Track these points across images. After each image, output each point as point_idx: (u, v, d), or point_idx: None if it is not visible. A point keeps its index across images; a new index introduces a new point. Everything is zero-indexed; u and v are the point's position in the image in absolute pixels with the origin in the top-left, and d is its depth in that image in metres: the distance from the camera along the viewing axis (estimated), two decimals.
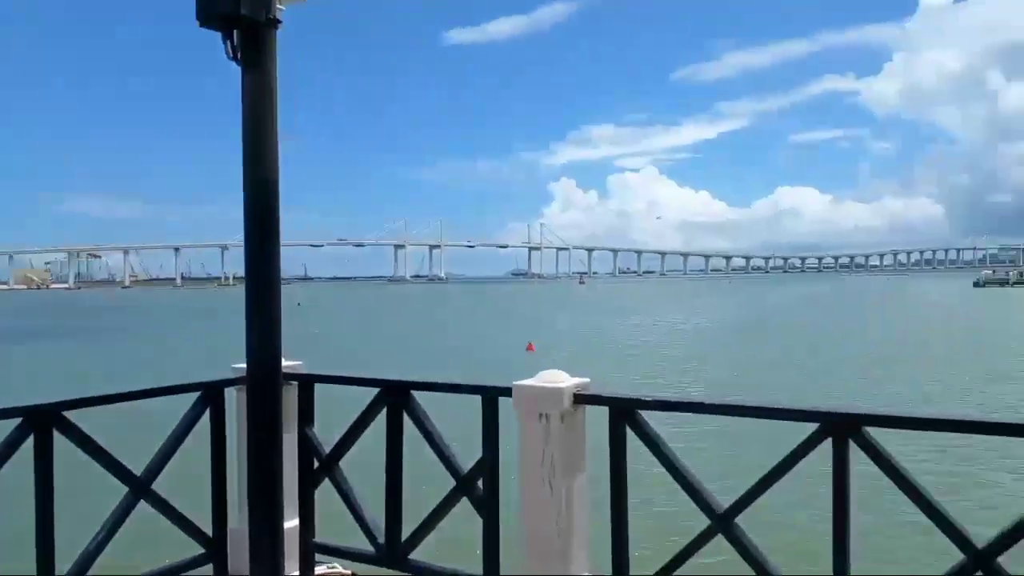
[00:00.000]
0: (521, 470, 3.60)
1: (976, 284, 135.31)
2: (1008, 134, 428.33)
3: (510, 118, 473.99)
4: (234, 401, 4.39)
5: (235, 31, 3.49)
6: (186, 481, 4.33)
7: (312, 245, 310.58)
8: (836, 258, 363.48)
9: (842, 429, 3.00)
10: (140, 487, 3.98)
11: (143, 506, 3.99)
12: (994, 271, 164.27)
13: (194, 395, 4.32)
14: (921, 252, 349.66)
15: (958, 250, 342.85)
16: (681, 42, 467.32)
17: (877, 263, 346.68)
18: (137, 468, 4.01)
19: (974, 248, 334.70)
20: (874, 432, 2.99)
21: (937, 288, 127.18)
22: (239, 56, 3.52)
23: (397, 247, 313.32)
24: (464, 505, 3.89)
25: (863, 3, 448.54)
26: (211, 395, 4.34)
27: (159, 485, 4.07)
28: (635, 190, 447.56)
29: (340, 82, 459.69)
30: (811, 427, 3.07)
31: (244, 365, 3.82)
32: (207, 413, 4.32)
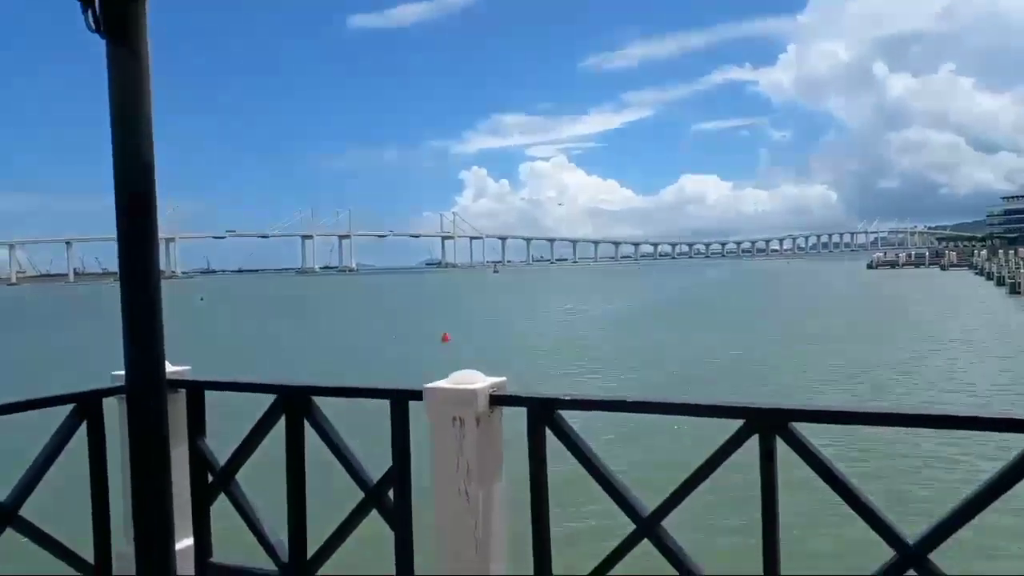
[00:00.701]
0: (434, 478, 3.35)
1: (869, 266, 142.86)
2: (893, 122, 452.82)
3: (418, 106, 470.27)
4: (115, 413, 3.96)
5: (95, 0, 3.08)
6: (62, 504, 3.90)
7: (214, 237, 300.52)
8: (738, 243, 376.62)
9: (769, 425, 2.88)
10: (5, 514, 3.53)
11: (11, 535, 3.55)
12: (885, 254, 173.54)
13: (67, 408, 3.87)
14: (818, 236, 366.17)
15: (852, 234, 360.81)
16: (586, 32, 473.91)
17: (777, 247, 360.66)
18: (1, 492, 3.57)
19: (866, 232, 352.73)
20: (800, 427, 2.88)
21: (834, 270, 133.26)
22: (102, 28, 3.11)
23: (305, 237, 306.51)
24: (374, 517, 3.61)
25: None
26: (87, 407, 3.90)
27: (28, 510, 3.63)
28: (546, 179, 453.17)
29: (238, 65, 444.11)
30: (736, 423, 2.94)
31: (123, 372, 3.43)
32: (83, 427, 3.88)
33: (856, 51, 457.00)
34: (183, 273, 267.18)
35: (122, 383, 3.53)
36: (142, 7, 3.15)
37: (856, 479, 2.83)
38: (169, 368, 3.70)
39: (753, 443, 2.91)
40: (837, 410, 3.09)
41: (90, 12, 3.08)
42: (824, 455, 2.83)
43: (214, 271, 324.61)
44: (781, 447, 2.88)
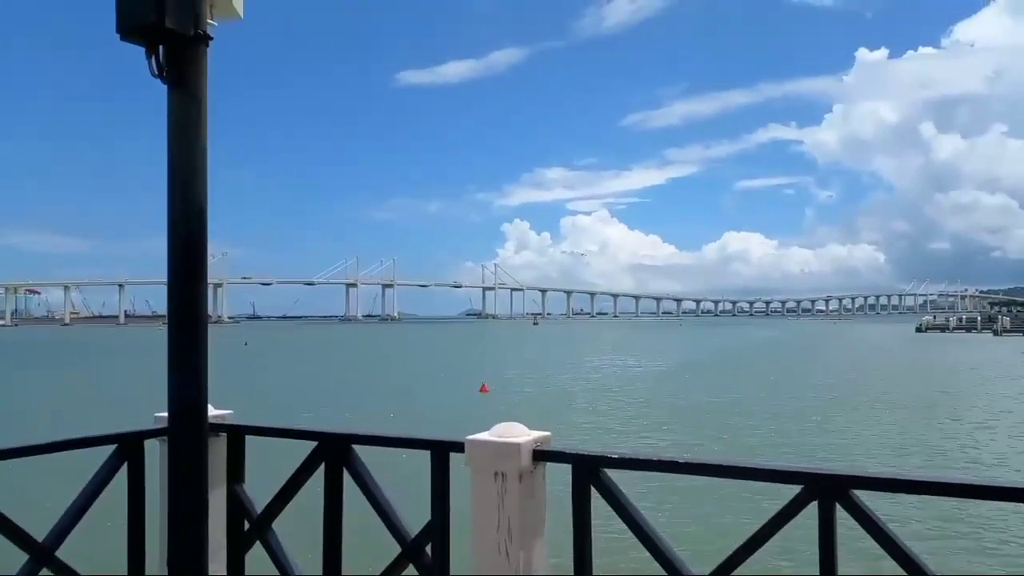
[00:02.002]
0: (474, 535, 3.24)
1: (918, 329, 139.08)
2: (942, 183, 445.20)
3: (462, 159, 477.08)
4: (156, 454, 3.94)
5: (160, 46, 3.16)
6: (99, 546, 3.86)
7: (262, 283, 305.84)
8: (783, 302, 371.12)
9: (829, 491, 2.75)
10: (42, 554, 3.51)
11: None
12: (935, 317, 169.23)
13: (110, 448, 3.87)
14: (865, 297, 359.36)
15: (900, 295, 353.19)
16: (629, 89, 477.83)
17: (823, 308, 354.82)
18: (40, 532, 3.55)
19: (915, 294, 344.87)
20: (862, 495, 2.74)
21: (882, 333, 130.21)
22: (164, 74, 3.18)
23: (349, 286, 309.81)
24: (411, 572, 3.51)
25: (802, 57, 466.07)
26: (129, 448, 3.89)
27: (65, 551, 3.61)
28: (587, 232, 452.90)
29: (290, 118, 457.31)
30: (795, 489, 2.81)
31: (166, 414, 3.42)
32: (124, 468, 3.86)
33: (903, 112, 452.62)
34: (230, 318, 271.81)
35: (164, 424, 3.52)
36: (203, 54, 3.23)
37: (919, 550, 2.68)
38: (211, 412, 3.68)
39: (812, 510, 2.77)
40: (900, 478, 2.92)
41: (153, 58, 3.17)
42: (886, 524, 2.69)
43: (260, 317, 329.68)
44: (841, 514, 2.75)
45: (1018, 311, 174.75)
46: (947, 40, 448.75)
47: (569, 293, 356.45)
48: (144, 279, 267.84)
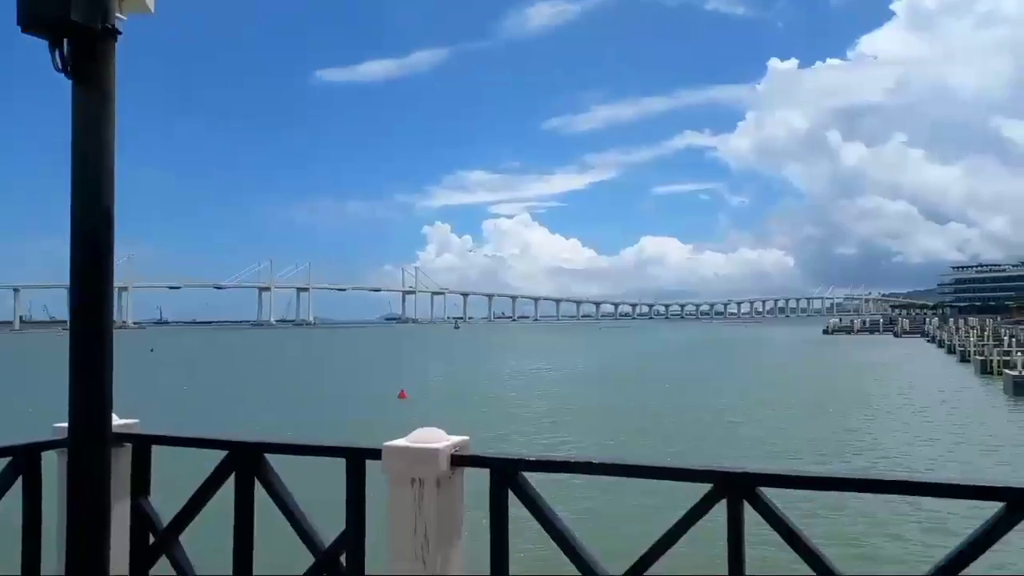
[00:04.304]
0: (391, 542, 3.21)
1: (825, 331, 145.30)
2: (848, 190, 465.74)
3: (383, 159, 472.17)
4: (54, 468, 3.75)
5: (64, 40, 3.02)
6: None
7: (169, 287, 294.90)
8: (697, 305, 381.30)
9: (737, 489, 2.84)
10: None
11: None
12: (840, 320, 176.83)
13: (3, 462, 3.66)
14: (775, 301, 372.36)
15: (808, 299, 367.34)
16: (551, 93, 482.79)
17: (735, 311, 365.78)
18: None
19: (822, 297, 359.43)
20: (768, 492, 2.84)
21: (792, 335, 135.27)
22: (69, 69, 3.04)
23: (262, 289, 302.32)
24: None
25: (717, 65, 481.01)
26: (25, 461, 3.69)
27: None
28: (509, 236, 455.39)
29: (199, 114, 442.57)
30: (705, 487, 2.89)
31: (66, 425, 3.25)
32: (18, 483, 3.66)
33: (812, 120, 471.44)
34: (135, 323, 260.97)
35: (64, 435, 3.35)
36: (111, 49, 3.10)
37: (823, 545, 2.79)
38: (116, 421, 3.53)
39: (721, 507, 2.86)
40: (805, 475, 3.04)
41: (57, 52, 3.03)
42: (791, 520, 2.80)
43: (167, 322, 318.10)
44: (748, 512, 2.84)
45: (916, 313, 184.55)
46: (852, 52, 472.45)
47: (491, 297, 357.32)
48: (42, 283, 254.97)
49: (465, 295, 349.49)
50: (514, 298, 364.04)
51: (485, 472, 3.22)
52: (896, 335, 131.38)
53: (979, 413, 32.58)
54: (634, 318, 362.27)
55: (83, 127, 3.13)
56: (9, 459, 3.65)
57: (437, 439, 3.24)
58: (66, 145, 3.18)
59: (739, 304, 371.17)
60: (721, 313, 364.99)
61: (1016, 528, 2.53)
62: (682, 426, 28.38)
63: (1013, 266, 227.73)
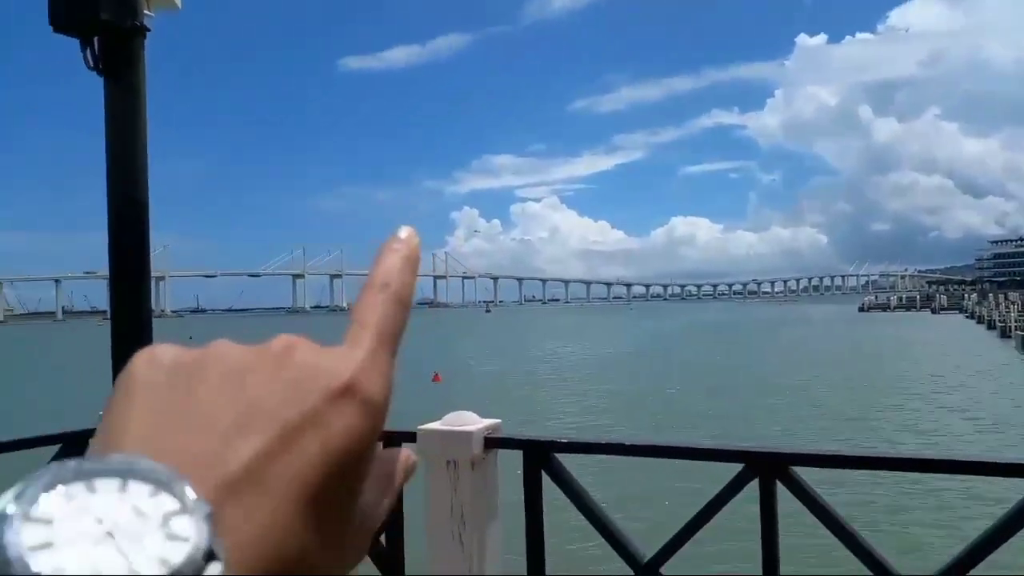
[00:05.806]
0: (428, 522, 3.27)
1: (861, 309, 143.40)
2: (881, 166, 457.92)
3: (411, 146, 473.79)
4: None
5: (95, 39, 3.10)
6: None
7: (205, 276, 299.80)
8: (730, 285, 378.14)
9: (769, 469, 2.84)
10: None
11: None
12: (876, 297, 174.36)
13: (53, 448, 3.78)
14: (809, 279, 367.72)
15: (843, 276, 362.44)
16: (576, 75, 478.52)
17: (768, 290, 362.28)
18: None
19: (857, 275, 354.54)
20: (801, 471, 2.85)
21: (827, 313, 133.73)
22: (100, 66, 3.12)
23: (296, 277, 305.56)
24: (366, 562, 3.52)
25: (743, 43, 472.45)
26: (74, 448, 3.81)
27: None
28: (537, 219, 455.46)
29: (227, 105, 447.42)
30: (736, 467, 2.90)
31: None
32: None
33: (842, 96, 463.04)
34: (173, 312, 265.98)
35: None
36: (140, 46, 3.17)
37: (856, 523, 2.80)
38: None
39: (754, 486, 2.87)
40: (838, 454, 3.05)
41: (88, 50, 3.11)
42: (824, 499, 2.80)
43: (204, 310, 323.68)
44: (781, 491, 2.85)
45: (954, 289, 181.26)
46: (883, 26, 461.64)
47: (521, 280, 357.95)
48: (82, 274, 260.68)
49: (495, 279, 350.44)
50: (544, 281, 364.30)
51: (519, 454, 3.26)
52: (934, 311, 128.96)
53: (1021, 388, 32.00)
54: (666, 299, 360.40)
55: (115, 123, 3.22)
56: (59, 446, 3.77)
57: (470, 422, 3.28)
58: (100, 138, 3.27)
59: (772, 283, 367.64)
60: (754, 292, 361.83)
61: None
62: (716, 407, 28.25)
63: None
